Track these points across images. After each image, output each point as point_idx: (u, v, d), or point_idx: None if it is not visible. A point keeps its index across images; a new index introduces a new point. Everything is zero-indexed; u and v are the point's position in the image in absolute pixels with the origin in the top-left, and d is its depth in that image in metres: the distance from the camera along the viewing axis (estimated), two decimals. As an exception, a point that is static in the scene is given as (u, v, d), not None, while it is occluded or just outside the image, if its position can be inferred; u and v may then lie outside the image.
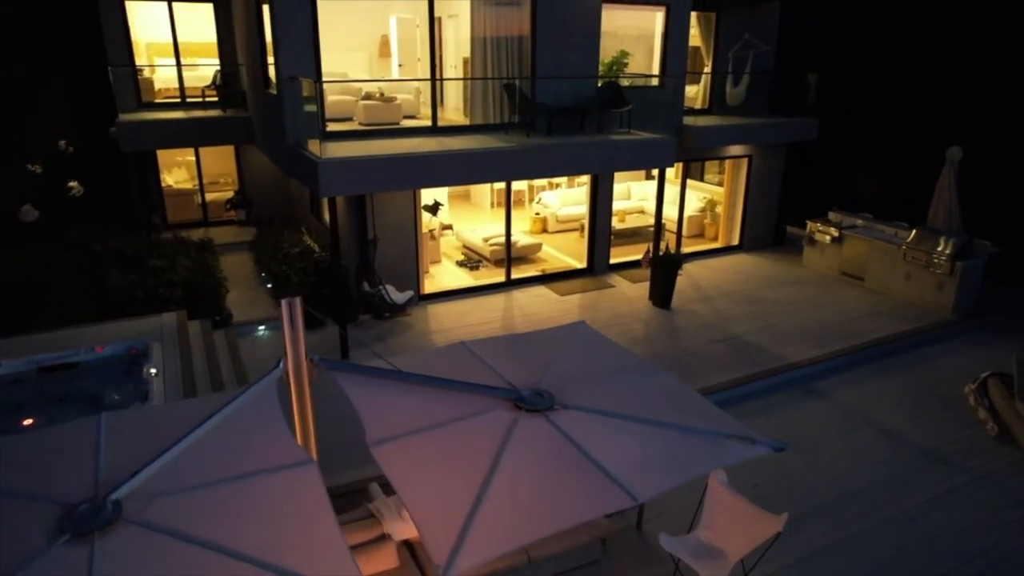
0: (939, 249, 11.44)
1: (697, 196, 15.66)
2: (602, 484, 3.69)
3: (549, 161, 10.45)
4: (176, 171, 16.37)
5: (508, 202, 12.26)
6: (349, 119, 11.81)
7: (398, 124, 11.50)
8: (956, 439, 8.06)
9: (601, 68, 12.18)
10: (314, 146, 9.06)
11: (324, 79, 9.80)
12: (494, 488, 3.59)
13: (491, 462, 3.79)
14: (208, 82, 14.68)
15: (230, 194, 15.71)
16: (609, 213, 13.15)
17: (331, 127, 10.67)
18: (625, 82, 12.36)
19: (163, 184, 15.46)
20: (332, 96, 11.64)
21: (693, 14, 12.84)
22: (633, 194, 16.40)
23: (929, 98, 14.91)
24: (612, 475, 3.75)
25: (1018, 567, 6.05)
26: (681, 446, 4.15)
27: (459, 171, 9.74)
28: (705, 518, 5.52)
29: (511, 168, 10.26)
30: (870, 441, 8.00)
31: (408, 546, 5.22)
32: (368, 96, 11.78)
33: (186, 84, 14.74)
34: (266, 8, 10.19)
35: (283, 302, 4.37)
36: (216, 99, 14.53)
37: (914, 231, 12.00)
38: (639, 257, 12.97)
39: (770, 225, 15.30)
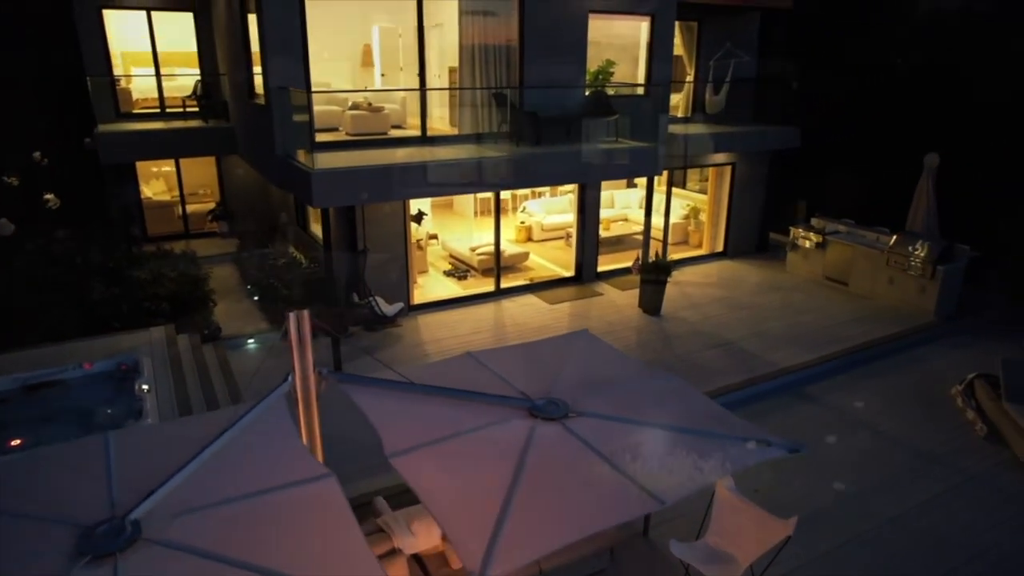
0: (919, 254, 11.66)
1: (680, 203, 15.79)
2: (627, 488, 3.68)
3: (539, 170, 10.48)
4: (155, 182, 16.08)
5: (497, 211, 12.24)
6: (335, 129, 11.73)
7: (386, 134, 11.43)
8: (947, 440, 8.19)
9: (588, 77, 12.25)
10: (305, 157, 8.96)
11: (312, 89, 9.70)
12: (520, 495, 3.55)
13: (513, 470, 3.75)
14: (188, 92, 14.48)
15: (211, 205, 15.47)
16: (596, 221, 13.20)
17: (318, 137, 10.52)
18: (611, 91, 12.44)
19: (142, 196, 15.19)
20: (318, 106, 11.48)
21: (676, 23, 12.98)
22: (616, 202, 16.52)
23: (908, 106, 15.20)
24: (635, 479, 3.74)
25: (1018, 567, 6.15)
26: (699, 449, 4.15)
27: (452, 181, 9.70)
28: (714, 524, 5.52)
29: (503, 177, 10.25)
30: (865, 443, 8.09)
31: (418, 560, 5.15)
32: (355, 106, 11.70)
33: (166, 94, 14.53)
34: (252, 17, 10.07)
35: (290, 316, 4.29)
36: (197, 109, 14.33)
37: (895, 236, 12.21)
38: (626, 265, 13.05)
39: (753, 231, 15.48)
